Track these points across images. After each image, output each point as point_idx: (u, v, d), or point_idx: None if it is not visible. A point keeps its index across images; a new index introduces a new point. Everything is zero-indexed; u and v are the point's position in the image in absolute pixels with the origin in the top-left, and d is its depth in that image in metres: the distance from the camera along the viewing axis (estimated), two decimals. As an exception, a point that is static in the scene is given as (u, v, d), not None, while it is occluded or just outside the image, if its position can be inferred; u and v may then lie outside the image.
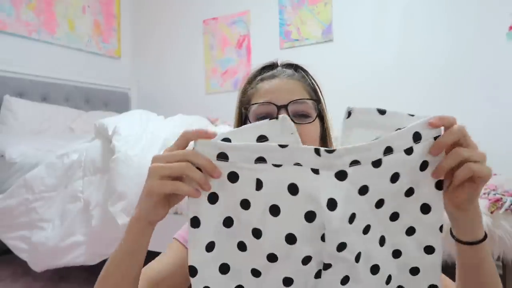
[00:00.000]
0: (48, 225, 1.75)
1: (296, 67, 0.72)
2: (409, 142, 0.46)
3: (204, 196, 0.49)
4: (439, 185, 0.49)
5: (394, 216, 0.51)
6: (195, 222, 0.49)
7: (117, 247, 0.55)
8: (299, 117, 0.65)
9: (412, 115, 0.47)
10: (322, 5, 2.77)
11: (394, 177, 0.48)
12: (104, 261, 1.67)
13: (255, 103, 0.66)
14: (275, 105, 0.64)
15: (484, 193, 1.62)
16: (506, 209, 1.43)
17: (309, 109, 0.66)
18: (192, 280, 0.50)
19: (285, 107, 0.63)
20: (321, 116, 0.70)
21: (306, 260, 0.49)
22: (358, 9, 2.65)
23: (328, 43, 2.77)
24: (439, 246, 0.51)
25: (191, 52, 3.41)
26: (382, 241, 0.51)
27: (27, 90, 2.71)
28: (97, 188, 1.69)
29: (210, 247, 0.50)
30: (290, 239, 0.49)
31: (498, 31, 2.21)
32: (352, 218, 0.48)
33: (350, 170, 0.47)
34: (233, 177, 0.48)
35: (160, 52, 3.59)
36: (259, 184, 0.48)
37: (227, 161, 0.48)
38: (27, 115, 2.53)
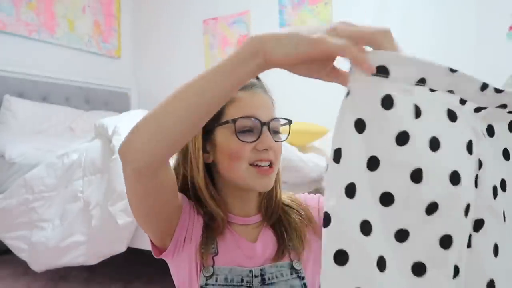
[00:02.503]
0: (48, 225, 1.75)
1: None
2: None
3: (351, 120, 0.38)
4: None
5: None
6: (336, 155, 0.38)
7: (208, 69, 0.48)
8: (274, 134, 0.67)
9: None
10: (322, 5, 2.77)
11: None
12: (104, 261, 1.68)
13: (243, 117, 0.65)
14: (260, 121, 0.65)
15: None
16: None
17: (280, 126, 0.70)
18: (324, 231, 0.38)
19: (267, 124, 0.66)
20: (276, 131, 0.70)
21: (467, 210, 0.40)
22: (358, 9, 2.65)
23: (328, 43, 2.77)
24: None
25: (191, 52, 3.40)
26: None
27: (27, 90, 2.70)
28: (97, 188, 1.69)
29: (350, 191, 0.38)
30: (455, 177, 0.38)
31: (498, 31, 2.21)
32: (506, 154, 0.42)
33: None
34: (387, 101, 0.38)
35: (160, 52, 3.59)
36: (418, 111, 0.38)
37: (387, 77, 0.38)
38: (27, 115, 2.53)
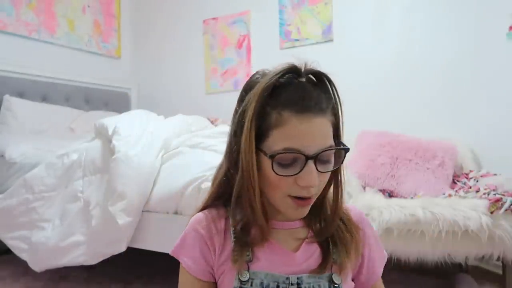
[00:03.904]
0: (48, 225, 1.75)
1: (322, 76, 0.64)
2: None
3: None
4: None
5: None
6: None
7: None
8: (322, 164, 0.59)
9: None
10: (322, 5, 2.77)
11: None
12: (104, 261, 1.68)
13: (282, 152, 0.57)
14: (304, 155, 0.56)
15: (484, 193, 1.62)
16: (506, 209, 1.43)
17: (332, 154, 0.60)
18: None
19: (313, 157, 0.57)
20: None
21: None
22: (358, 9, 2.65)
23: (328, 43, 2.77)
24: None
25: (191, 52, 3.40)
26: None
27: (27, 90, 2.71)
28: (97, 188, 1.69)
29: None
30: None
31: (498, 31, 2.21)
32: None
33: None
34: None
35: (160, 52, 3.59)
36: None
37: None
38: (27, 115, 2.53)
